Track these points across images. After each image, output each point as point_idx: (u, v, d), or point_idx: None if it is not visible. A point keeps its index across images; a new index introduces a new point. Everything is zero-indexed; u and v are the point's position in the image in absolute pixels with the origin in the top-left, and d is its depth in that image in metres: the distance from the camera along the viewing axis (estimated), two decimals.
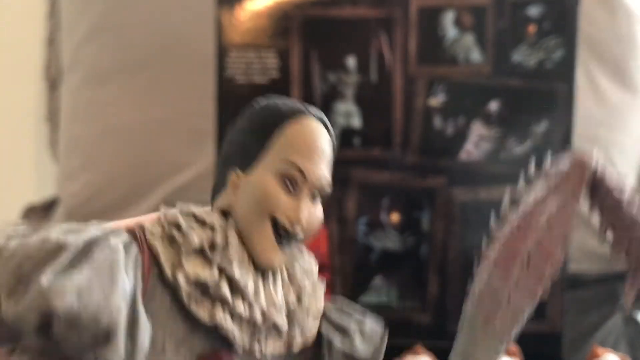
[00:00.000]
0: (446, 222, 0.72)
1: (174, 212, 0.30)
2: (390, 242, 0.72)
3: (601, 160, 0.38)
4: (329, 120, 0.77)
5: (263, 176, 0.29)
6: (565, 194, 0.36)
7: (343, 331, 0.31)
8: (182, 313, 0.27)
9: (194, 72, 1.03)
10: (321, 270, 0.73)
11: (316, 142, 0.29)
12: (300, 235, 0.29)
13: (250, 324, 0.28)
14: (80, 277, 0.25)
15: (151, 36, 1.07)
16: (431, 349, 0.66)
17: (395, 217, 0.72)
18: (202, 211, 0.30)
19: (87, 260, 0.25)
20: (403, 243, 0.72)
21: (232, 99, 0.74)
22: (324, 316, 0.31)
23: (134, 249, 0.28)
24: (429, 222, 0.72)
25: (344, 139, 0.72)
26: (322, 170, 0.29)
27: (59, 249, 0.26)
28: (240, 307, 0.27)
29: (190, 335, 0.27)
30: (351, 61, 0.72)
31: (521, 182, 0.39)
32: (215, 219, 0.29)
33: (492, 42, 0.71)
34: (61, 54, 1.18)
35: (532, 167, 0.39)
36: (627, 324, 0.84)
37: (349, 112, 0.72)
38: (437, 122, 0.72)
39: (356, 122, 0.72)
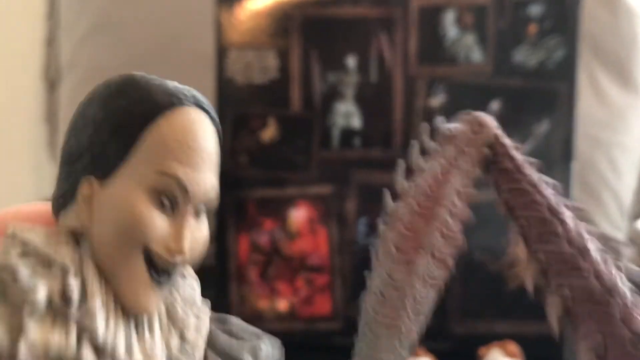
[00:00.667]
0: None
1: (5, 249, 0.22)
2: None
3: (496, 123, 0.37)
4: (329, 121, 0.77)
5: (129, 191, 0.21)
6: (462, 160, 0.35)
7: (226, 354, 0.25)
8: None
9: (194, 72, 1.03)
10: (321, 270, 0.73)
11: (198, 140, 0.22)
12: (182, 264, 0.22)
13: None
14: None
15: (150, 36, 1.07)
16: (431, 350, 0.66)
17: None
18: (46, 242, 0.22)
19: None
20: None
21: (231, 99, 0.74)
22: (210, 344, 0.25)
23: None
24: None
25: (344, 139, 0.72)
26: (208, 177, 0.22)
27: None
28: None
29: None
30: (351, 61, 0.72)
31: (415, 152, 0.36)
32: (65, 254, 0.21)
33: (492, 41, 0.70)
34: (60, 54, 1.17)
35: (425, 134, 0.37)
36: None
37: (349, 113, 0.72)
38: (438, 122, 0.71)
39: (356, 122, 0.72)
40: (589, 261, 0.33)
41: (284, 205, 0.72)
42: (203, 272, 0.88)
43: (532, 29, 0.70)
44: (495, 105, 0.71)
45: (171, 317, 0.23)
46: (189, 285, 0.24)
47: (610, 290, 0.32)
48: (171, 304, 0.23)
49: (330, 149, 0.72)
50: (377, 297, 0.32)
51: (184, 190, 0.22)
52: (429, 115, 0.71)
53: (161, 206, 0.22)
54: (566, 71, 0.70)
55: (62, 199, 0.25)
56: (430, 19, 0.71)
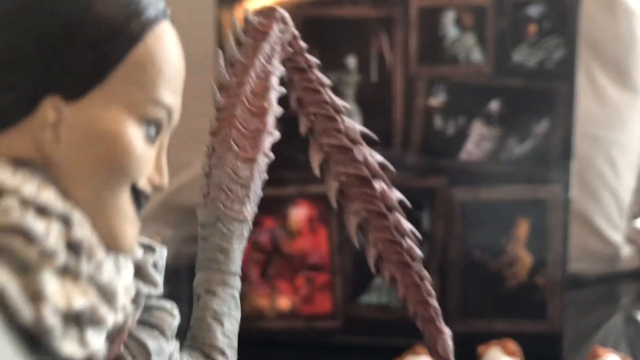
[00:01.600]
0: (446, 222, 0.72)
1: None
2: None
3: (288, 16, 0.39)
4: None
5: (114, 118, 0.19)
6: (274, 58, 0.38)
7: (139, 270, 0.25)
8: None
9: (193, 72, 1.03)
10: (321, 269, 0.73)
11: (180, 60, 0.21)
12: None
13: (116, 329, 0.21)
14: None
15: None
16: None
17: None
18: (19, 176, 0.19)
19: None
20: None
21: None
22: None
23: None
24: (429, 222, 0.72)
25: None
26: (180, 98, 0.21)
27: None
28: (111, 318, 0.20)
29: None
30: (351, 61, 0.72)
31: (232, 44, 0.39)
32: (51, 195, 0.19)
33: (492, 41, 0.70)
34: None
35: (236, 23, 0.39)
36: (627, 324, 0.84)
37: (349, 112, 0.72)
38: (438, 122, 0.71)
39: (356, 122, 0.72)
40: (360, 152, 0.41)
41: (284, 204, 0.72)
42: None
43: (532, 29, 0.70)
44: (495, 104, 0.71)
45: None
46: None
47: (374, 175, 0.41)
48: None
49: None
50: (225, 193, 0.36)
51: (170, 119, 0.20)
52: (429, 115, 0.71)
53: (147, 136, 0.20)
54: (565, 71, 0.70)
55: None
56: (430, 19, 0.71)
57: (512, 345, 0.65)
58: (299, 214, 0.72)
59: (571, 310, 0.77)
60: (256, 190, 0.37)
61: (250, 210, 0.36)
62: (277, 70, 0.39)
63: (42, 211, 0.18)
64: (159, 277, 0.26)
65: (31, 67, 0.19)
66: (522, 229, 0.71)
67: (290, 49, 0.39)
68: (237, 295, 0.33)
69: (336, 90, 0.75)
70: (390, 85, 0.71)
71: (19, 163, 0.19)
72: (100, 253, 0.19)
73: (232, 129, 0.37)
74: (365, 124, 0.74)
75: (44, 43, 0.18)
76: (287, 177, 0.72)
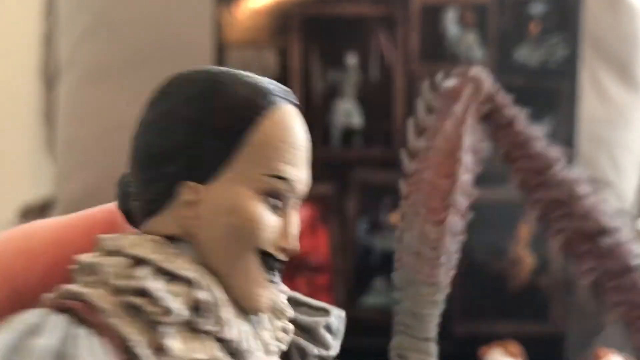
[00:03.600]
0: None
1: (119, 269, 0.22)
2: (390, 242, 0.72)
3: (490, 78, 0.38)
4: (329, 119, 0.77)
5: (239, 194, 0.22)
6: (469, 116, 0.36)
7: (309, 331, 0.26)
8: None
9: None
10: (322, 269, 0.72)
11: (298, 137, 0.23)
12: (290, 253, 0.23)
13: None
14: None
15: (149, 34, 1.07)
16: None
17: (396, 217, 0.72)
18: (157, 250, 0.22)
19: None
20: None
21: None
22: (294, 324, 0.26)
23: (85, 342, 0.20)
24: None
25: (344, 137, 0.72)
26: (306, 173, 0.23)
27: None
28: None
29: None
30: (351, 59, 0.71)
31: (421, 110, 0.37)
32: (182, 265, 0.22)
33: (494, 40, 0.70)
34: (58, 53, 1.17)
35: (427, 92, 0.38)
36: None
37: (350, 111, 0.71)
38: None
39: (357, 120, 0.71)
40: (581, 205, 0.36)
41: None
42: None
43: (534, 27, 0.70)
44: None
45: (276, 311, 0.24)
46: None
47: (603, 229, 0.36)
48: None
49: (331, 147, 0.72)
50: (415, 256, 0.34)
51: (292, 189, 0.22)
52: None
53: (270, 206, 0.22)
54: (568, 70, 0.70)
55: (151, 205, 0.24)
56: (432, 17, 0.70)
57: (515, 346, 0.65)
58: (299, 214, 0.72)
59: (574, 312, 0.77)
60: (449, 252, 0.35)
61: (443, 273, 0.35)
62: (472, 130, 0.36)
63: (172, 276, 0.21)
64: (331, 339, 0.27)
65: (178, 159, 0.23)
66: (525, 230, 0.71)
67: (487, 106, 0.37)
68: None
69: (337, 88, 0.75)
70: (391, 84, 0.71)
71: (166, 239, 0.23)
72: (227, 313, 0.22)
73: (421, 192, 0.36)
74: (366, 122, 0.74)
75: (190, 136, 0.22)
76: None
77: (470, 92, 0.36)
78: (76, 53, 1.12)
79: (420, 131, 0.36)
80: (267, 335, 0.23)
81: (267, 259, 0.22)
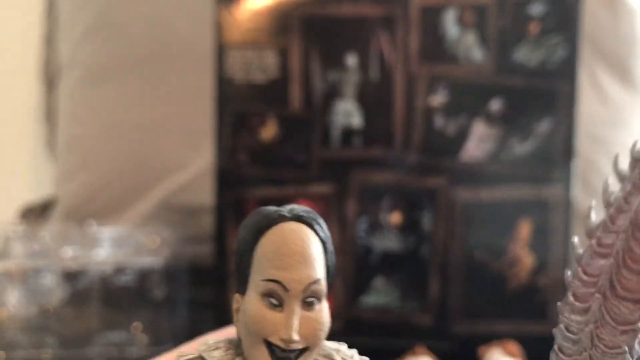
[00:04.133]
0: (447, 223, 0.71)
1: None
2: (390, 242, 0.72)
3: None
4: (329, 119, 0.77)
5: (250, 298, 0.27)
6: None
7: None
8: None
9: (193, 71, 1.03)
10: None
11: (289, 246, 0.27)
12: (302, 346, 0.27)
13: None
14: None
15: (149, 35, 1.07)
16: (432, 350, 0.66)
17: (396, 217, 0.72)
18: (214, 346, 0.29)
19: None
20: (404, 243, 0.72)
21: (231, 97, 0.74)
22: None
23: None
24: (430, 222, 0.71)
25: (344, 138, 0.72)
26: (305, 274, 0.26)
27: None
28: None
29: None
30: (351, 60, 0.71)
31: (610, 182, 0.30)
32: (218, 355, 0.28)
33: (493, 40, 0.70)
34: (59, 53, 1.17)
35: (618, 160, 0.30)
36: None
37: (349, 111, 0.72)
38: (438, 121, 0.71)
39: (356, 121, 0.72)
40: None
41: (284, 204, 0.72)
42: (203, 272, 0.88)
43: (533, 28, 0.70)
44: (496, 104, 0.71)
45: None
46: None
47: None
48: None
49: (331, 147, 0.72)
50: (557, 355, 0.29)
51: (285, 289, 0.26)
52: (429, 114, 0.71)
53: (272, 306, 0.27)
54: (567, 70, 0.70)
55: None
56: (431, 18, 0.71)
57: (513, 346, 0.65)
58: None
59: None
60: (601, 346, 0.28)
61: None
62: None
63: None
64: None
65: (236, 276, 0.29)
66: (524, 229, 0.71)
67: None
68: None
69: (336, 89, 0.75)
70: (391, 84, 0.71)
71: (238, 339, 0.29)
72: None
73: (576, 278, 0.29)
74: (366, 122, 0.74)
75: (238, 260, 0.28)
76: (287, 177, 0.72)
77: None
78: (77, 53, 1.12)
79: (607, 204, 0.29)
80: None
81: (273, 349, 0.27)
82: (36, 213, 1.14)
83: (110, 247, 0.88)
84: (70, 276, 0.82)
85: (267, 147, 0.72)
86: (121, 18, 1.09)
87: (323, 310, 0.27)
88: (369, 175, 0.72)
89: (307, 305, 0.27)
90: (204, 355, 0.28)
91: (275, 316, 0.26)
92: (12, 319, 0.75)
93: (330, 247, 0.29)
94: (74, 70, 1.13)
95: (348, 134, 0.72)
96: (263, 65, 0.73)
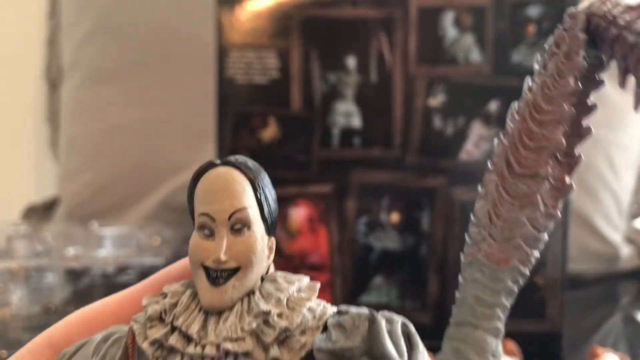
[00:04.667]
0: (446, 222, 0.72)
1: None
2: (390, 242, 0.72)
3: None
4: (329, 120, 0.77)
5: (192, 235, 0.30)
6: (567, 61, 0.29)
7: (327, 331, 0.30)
8: None
9: (194, 73, 1.03)
10: (321, 269, 0.73)
11: (214, 184, 0.30)
12: (233, 266, 0.29)
13: (208, 356, 0.28)
14: None
15: (151, 36, 1.07)
16: (431, 349, 0.66)
17: (395, 217, 0.72)
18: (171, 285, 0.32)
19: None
20: (403, 243, 0.72)
21: (232, 98, 0.74)
22: (323, 340, 0.29)
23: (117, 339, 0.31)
24: (429, 222, 0.72)
25: (344, 138, 0.72)
26: (228, 203, 0.29)
27: None
28: (192, 348, 0.28)
29: None
30: (351, 61, 0.72)
31: (536, 68, 0.31)
32: (173, 287, 0.31)
33: (491, 42, 0.71)
34: (62, 55, 1.18)
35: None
36: (626, 324, 0.84)
37: (349, 112, 0.72)
38: (437, 122, 0.72)
39: (356, 122, 0.72)
40: None
41: (284, 204, 0.72)
42: None
43: (531, 29, 0.71)
44: (494, 105, 0.71)
45: (249, 308, 0.29)
46: (276, 286, 0.30)
47: None
48: (250, 298, 0.30)
49: (330, 148, 0.72)
50: (465, 245, 0.30)
51: (212, 219, 0.29)
52: (428, 115, 0.72)
53: (205, 236, 0.30)
54: None
55: None
56: (430, 20, 0.71)
57: (512, 344, 0.65)
58: (299, 214, 0.72)
59: (570, 310, 0.77)
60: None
61: None
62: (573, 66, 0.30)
63: (164, 295, 0.31)
64: (338, 334, 0.29)
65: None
66: None
67: (584, 35, 0.30)
68: None
69: (336, 90, 0.76)
70: (390, 85, 0.71)
71: None
72: (181, 310, 0.30)
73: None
74: (365, 124, 0.75)
75: (189, 208, 0.31)
76: (287, 177, 0.72)
77: (561, 34, 0.29)
78: (79, 55, 1.13)
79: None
80: (228, 324, 0.29)
81: (209, 271, 0.30)
82: (39, 213, 1.15)
83: (112, 247, 0.89)
84: (73, 275, 0.83)
85: (267, 147, 0.73)
86: (123, 20, 1.10)
87: (252, 236, 0.30)
88: (368, 175, 0.72)
89: (236, 231, 0.30)
90: (165, 290, 0.31)
91: (208, 244, 0.29)
92: (15, 318, 0.75)
93: (262, 184, 0.31)
94: (77, 71, 1.14)
95: (348, 134, 0.72)
96: (264, 67, 0.73)
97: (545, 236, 0.26)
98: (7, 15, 1.24)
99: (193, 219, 0.31)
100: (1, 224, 0.88)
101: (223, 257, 0.29)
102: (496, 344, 0.27)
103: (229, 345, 0.28)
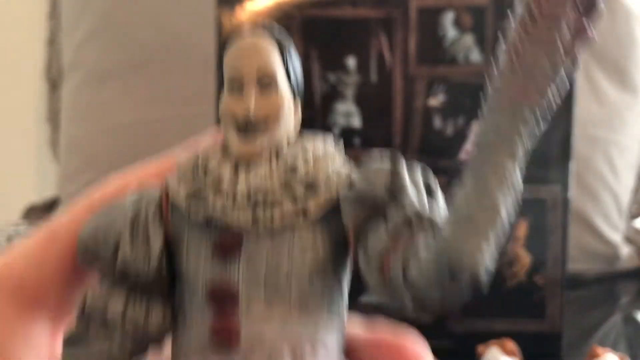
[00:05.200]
0: None
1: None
2: None
3: None
4: (329, 120, 0.77)
5: (223, 96, 0.31)
6: None
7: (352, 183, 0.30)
8: (192, 223, 0.28)
9: (195, 73, 1.03)
10: None
11: (243, 44, 0.31)
12: (261, 118, 0.30)
13: (239, 205, 0.28)
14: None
15: (152, 36, 1.07)
16: (430, 349, 0.66)
17: None
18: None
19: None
20: None
21: None
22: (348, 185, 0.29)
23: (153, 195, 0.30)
24: None
25: (344, 138, 0.72)
26: (255, 58, 0.30)
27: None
28: (224, 199, 0.28)
29: (205, 234, 0.27)
30: (351, 61, 0.72)
31: None
32: (203, 145, 0.32)
33: (491, 42, 0.71)
34: (62, 54, 1.18)
35: None
36: (626, 324, 0.84)
37: (349, 112, 0.72)
38: (437, 122, 0.72)
39: (356, 122, 0.72)
40: None
41: None
42: None
43: None
44: None
45: (278, 160, 0.29)
46: (303, 144, 0.30)
47: None
48: (278, 153, 0.29)
49: None
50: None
51: (238, 72, 0.29)
52: (428, 115, 0.72)
53: (235, 93, 0.30)
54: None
55: None
56: (430, 20, 0.71)
57: (511, 344, 0.65)
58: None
59: (570, 310, 0.77)
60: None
61: None
62: None
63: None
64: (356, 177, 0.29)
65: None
66: (522, 229, 0.71)
67: None
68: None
69: (336, 90, 0.76)
70: (390, 86, 0.72)
71: None
72: (213, 163, 0.29)
73: None
74: (365, 124, 0.75)
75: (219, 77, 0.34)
76: None
77: None
78: (79, 55, 1.13)
79: None
80: (258, 174, 0.28)
81: (239, 123, 0.29)
82: (39, 213, 1.15)
83: None
84: None
85: None
86: (123, 20, 1.10)
87: (279, 92, 0.30)
88: None
89: (264, 87, 0.30)
90: (196, 149, 0.31)
91: (238, 99, 0.30)
92: None
93: (289, 49, 0.31)
94: (77, 71, 1.14)
95: (348, 134, 0.72)
96: None
97: (565, 77, 0.25)
98: (7, 16, 1.24)
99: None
100: (2, 224, 0.89)
101: (252, 109, 0.29)
102: (515, 173, 0.26)
103: (259, 196, 0.28)
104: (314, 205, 0.28)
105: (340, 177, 0.28)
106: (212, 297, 0.26)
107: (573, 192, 0.73)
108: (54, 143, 1.23)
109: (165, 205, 0.29)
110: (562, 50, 0.24)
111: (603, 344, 0.72)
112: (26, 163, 1.27)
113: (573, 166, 0.71)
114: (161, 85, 1.06)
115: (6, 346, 0.26)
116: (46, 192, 1.20)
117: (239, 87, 0.30)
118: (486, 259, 0.23)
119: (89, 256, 0.27)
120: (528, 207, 0.70)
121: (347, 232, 0.28)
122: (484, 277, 0.23)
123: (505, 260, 0.72)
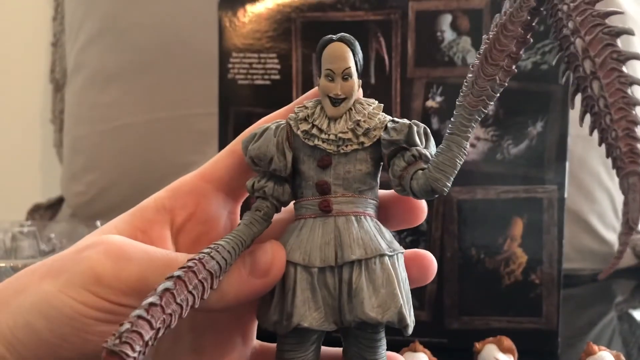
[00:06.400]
0: (443, 221, 0.72)
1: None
2: None
3: None
4: None
5: (321, 80, 0.43)
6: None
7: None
8: (306, 145, 0.43)
9: (197, 74, 1.04)
10: None
11: (334, 52, 0.44)
12: (343, 96, 0.43)
13: (330, 141, 0.43)
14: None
15: (154, 39, 1.08)
16: (427, 346, 0.67)
17: None
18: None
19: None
20: (401, 242, 0.73)
21: (234, 99, 0.75)
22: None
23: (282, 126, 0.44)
24: (427, 221, 0.72)
25: None
26: (341, 63, 0.43)
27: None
28: (324, 135, 0.43)
29: (312, 154, 0.43)
30: None
31: None
32: (309, 103, 0.45)
33: None
34: (66, 57, 1.19)
35: None
36: (621, 322, 0.84)
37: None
38: (435, 123, 0.72)
39: None
40: None
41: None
42: None
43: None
44: (490, 106, 0.72)
45: (350, 117, 0.43)
46: (362, 106, 0.44)
47: None
48: (350, 114, 0.43)
49: None
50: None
51: (333, 72, 0.43)
52: (426, 117, 0.72)
53: (329, 80, 0.43)
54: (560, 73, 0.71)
55: None
56: (427, 23, 0.71)
57: (508, 341, 0.65)
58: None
59: (566, 308, 0.78)
60: None
61: None
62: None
63: (305, 107, 0.44)
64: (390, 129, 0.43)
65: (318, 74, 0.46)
66: (518, 228, 0.71)
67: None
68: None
69: None
70: (389, 88, 0.72)
71: None
72: (318, 115, 0.44)
73: None
74: None
75: (318, 65, 0.44)
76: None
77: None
78: (83, 57, 1.14)
79: None
80: (340, 124, 0.43)
81: (331, 98, 0.43)
82: (44, 212, 1.15)
83: None
84: None
85: None
86: (126, 23, 1.11)
87: (353, 81, 0.43)
88: None
89: (344, 78, 0.43)
90: (305, 104, 0.44)
91: (331, 84, 0.43)
92: None
93: (357, 52, 0.43)
94: (81, 73, 1.15)
95: None
96: (265, 69, 0.74)
97: (499, 92, 0.41)
98: (13, 18, 1.25)
99: (320, 71, 0.44)
100: (7, 224, 0.89)
101: (339, 91, 0.43)
102: (467, 142, 0.42)
103: (341, 135, 0.43)
104: (367, 141, 0.43)
105: (382, 124, 0.43)
106: (317, 187, 0.42)
107: (569, 192, 0.73)
108: (58, 144, 1.23)
109: (289, 135, 0.44)
110: (498, 80, 0.40)
111: (598, 341, 0.73)
112: (31, 163, 1.28)
113: (569, 166, 0.72)
114: (163, 87, 1.07)
115: (216, 213, 0.44)
116: (51, 192, 1.21)
117: (331, 77, 0.43)
118: (448, 184, 0.40)
119: (253, 164, 0.43)
120: (524, 207, 0.71)
121: (383, 156, 0.42)
122: (446, 192, 0.40)
123: (501, 259, 0.72)
